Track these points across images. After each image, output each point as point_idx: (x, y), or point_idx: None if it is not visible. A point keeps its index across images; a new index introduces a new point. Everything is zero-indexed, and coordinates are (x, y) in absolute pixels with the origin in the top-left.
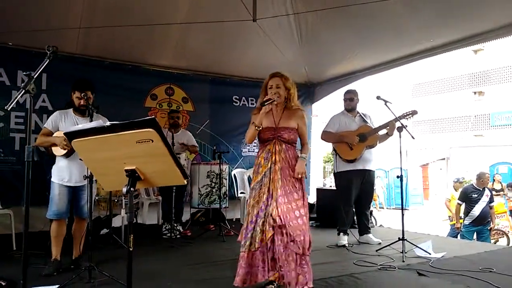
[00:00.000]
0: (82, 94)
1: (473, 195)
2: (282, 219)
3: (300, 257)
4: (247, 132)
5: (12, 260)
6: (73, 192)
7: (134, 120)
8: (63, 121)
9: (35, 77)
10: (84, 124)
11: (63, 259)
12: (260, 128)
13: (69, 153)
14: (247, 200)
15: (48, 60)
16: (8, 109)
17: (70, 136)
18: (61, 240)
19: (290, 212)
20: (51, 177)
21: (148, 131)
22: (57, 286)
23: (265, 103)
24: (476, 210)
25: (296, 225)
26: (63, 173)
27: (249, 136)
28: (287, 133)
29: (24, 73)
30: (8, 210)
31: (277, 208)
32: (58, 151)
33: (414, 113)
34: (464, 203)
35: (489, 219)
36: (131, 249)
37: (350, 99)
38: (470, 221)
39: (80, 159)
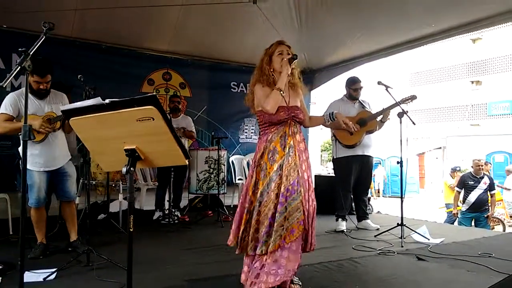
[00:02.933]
0: (42, 79)
1: (469, 182)
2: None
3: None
4: (269, 100)
5: (9, 244)
6: (53, 176)
7: (135, 97)
8: (23, 103)
9: (31, 53)
10: (82, 101)
11: (60, 243)
12: (284, 94)
13: (43, 138)
14: (259, 190)
15: (44, 37)
16: (4, 86)
17: (68, 114)
18: (44, 224)
19: (311, 206)
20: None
21: (149, 108)
22: (55, 269)
23: (293, 60)
24: (472, 197)
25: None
26: (39, 159)
27: (274, 103)
28: (301, 113)
29: (20, 49)
30: (4, 194)
31: (304, 204)
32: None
33: (413, 98)
34: (463, 190)
35: (487, 207)
36: (131, 230)
37: (360, 88)
38: (467, 207)
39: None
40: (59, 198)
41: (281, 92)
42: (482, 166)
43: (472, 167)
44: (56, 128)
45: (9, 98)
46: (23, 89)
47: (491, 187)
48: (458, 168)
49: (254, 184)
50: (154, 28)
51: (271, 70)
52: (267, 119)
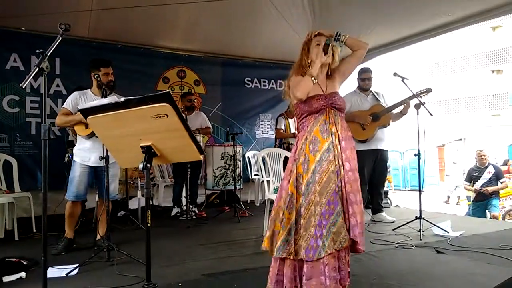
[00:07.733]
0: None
1: (474, 174)
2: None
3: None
4: (298, 86)
5: (33, 241)
6: (96, 174)
7: (149, 94)
8: (83, 102)
9: (48, 54)
10: (98, 100)
11: (81, 240)
12: (316, 82)
13: (93, 133)
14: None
15: (61, 38)
16: (24, 86)
17: (85, 112)
18: (75, 220)
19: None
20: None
21: (163, 105)
22: (77, 265)
23: (327, 46)
24: (476, 187)
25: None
26: (86, 153)
27: (304, 88)
28: (339, 99)
29: (38, 50)
30: (26, 193)
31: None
32: (82, 131)
33: (428, 91)
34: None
35: (494, 194)
36: (149, 225)
37: (368, 78)
38: (473, 198)
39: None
40: (100, 196)
41: (313, 78)
42: (484, 155)
43: (475, 158)
44: None
45: (72, 96)
46: (88, 90)
47: (498, 176)
48: None
49: (296, 179)
50: (168, 26)
51: (309, 61)
52: (304, 109)
